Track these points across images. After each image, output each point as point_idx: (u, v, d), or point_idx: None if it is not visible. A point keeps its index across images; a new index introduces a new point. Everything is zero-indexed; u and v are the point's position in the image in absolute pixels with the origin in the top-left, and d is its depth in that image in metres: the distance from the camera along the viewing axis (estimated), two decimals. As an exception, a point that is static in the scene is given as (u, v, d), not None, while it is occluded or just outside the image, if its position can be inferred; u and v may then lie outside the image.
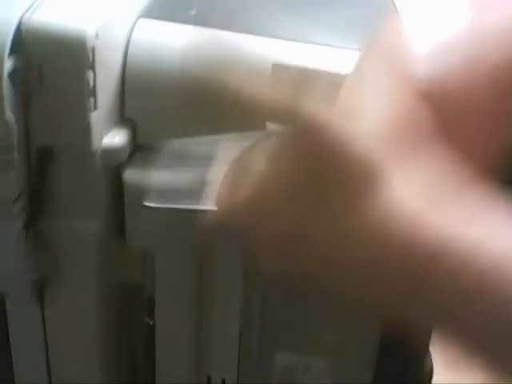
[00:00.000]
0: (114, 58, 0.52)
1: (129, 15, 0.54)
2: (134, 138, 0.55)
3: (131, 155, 0.55)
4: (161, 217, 0.53)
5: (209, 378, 0.63)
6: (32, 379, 0.64)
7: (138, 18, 0.54)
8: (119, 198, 0.55)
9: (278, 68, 0.52)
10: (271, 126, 0.42)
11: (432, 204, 0.37)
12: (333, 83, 0.46)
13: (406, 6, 0.53)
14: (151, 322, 0.61)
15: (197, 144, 0.50)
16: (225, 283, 0.58)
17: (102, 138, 0.52)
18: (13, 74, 0.48)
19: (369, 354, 0.59)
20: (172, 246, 0.56)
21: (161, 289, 0.59)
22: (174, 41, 0.54)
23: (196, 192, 0.48)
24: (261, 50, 0.53)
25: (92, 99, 0.49)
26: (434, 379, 0.72)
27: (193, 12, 0.57)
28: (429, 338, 0.58)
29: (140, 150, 0.55)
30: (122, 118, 0.54)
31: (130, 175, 0.54)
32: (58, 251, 0.57)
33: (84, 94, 0.49)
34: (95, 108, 0.50)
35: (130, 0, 0.54)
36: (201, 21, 0.55)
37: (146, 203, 0.52)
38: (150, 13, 0.55)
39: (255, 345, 0.62)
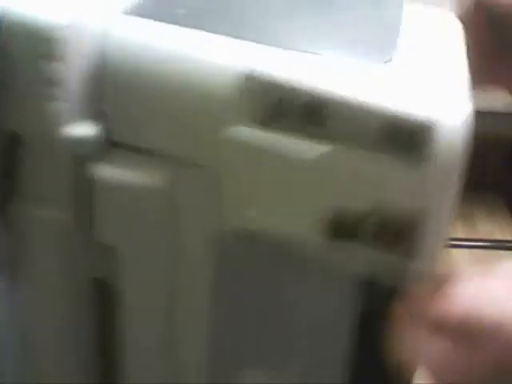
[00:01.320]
0: (90, 51, 0.52)
1: (111, 10, 0.53)
2: (109, 133, 0.54)
3: (106, 151, 0.54)
4: (128, 212, 0.53)
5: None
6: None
7: (122, 14, 0.54)
8: (88, 192, 0.55)
9: (250, 80, 0.51)
10: None
11: None
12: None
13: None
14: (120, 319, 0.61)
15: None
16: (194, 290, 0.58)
17: (70, 130, 0.52)
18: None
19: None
20: (140, 242, 0.56)
21: (128, 285, 0.59)
22: (155, 40, 0.53)
23: None
24: (231, 56, 0.53)
25: (59, 90, 0.49)
26: None
27: (181, 11, 0.56)
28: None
29: (116, 146, 0.55)
30: (98, 112, 0.54)
31: (101, 170, 0.54)
32: (25, 239, 0.57)
33: (51, 84, 0.49)
34: (63, 99, 0.50)
35: None
36: (188, 21, 0.55)
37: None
38: (136, 10, 0.55)
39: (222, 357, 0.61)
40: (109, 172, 0.54)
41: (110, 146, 0.55)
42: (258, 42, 0.52)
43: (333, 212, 0.52)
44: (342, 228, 0.52)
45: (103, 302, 0.62)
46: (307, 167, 0.52)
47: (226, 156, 0.54)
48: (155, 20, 0.54)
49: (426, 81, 0.52)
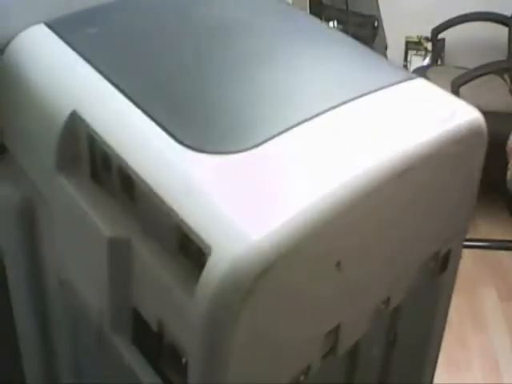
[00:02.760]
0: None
1: (27, 18, 0.55)
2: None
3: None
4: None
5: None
6: None
7: (37, 24, 0.55)
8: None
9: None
10: None
11: None
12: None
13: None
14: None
15: None
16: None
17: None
18: None
19: None
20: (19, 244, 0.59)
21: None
22: (48, 57, 0.56)
23: None
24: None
25: None
26: (434, 379, 0.71)
27: (93, 30, 0.57)
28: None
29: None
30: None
31: None
32: None
33: None
34: None
35: (41, 4, 0.55)
36: (93, 39, 0.57)
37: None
38: (54, 22, 0.57)
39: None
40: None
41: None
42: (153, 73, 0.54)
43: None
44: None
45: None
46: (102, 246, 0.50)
47: (55, 198, 0.56)
48: (63, 35, 0.56)
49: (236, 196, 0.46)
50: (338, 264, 0.47)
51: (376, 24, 1.99)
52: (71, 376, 0.66)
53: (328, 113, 0.51)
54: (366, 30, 1.97)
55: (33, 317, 0.68)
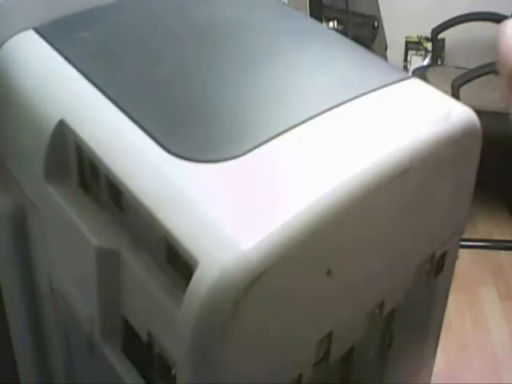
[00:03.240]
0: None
1: (15, 24, 0.55)
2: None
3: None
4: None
5: None
6: None
7: (26, 30, 0.56)
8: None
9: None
10: None
11: None
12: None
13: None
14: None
15: None
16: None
17: None
18: None
19: None
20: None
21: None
22: (36, 64, 0.56)
23: None
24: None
25: None
26: (434, 379, 0.71)
27: (82, 35, 0.57)
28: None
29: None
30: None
31: None
32: None
33: None
34: None
35: (29, 9, 0.55)
36: (82, 45, 0.57)
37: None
38: (43, 27, 0.57)
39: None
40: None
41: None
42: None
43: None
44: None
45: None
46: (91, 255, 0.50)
47: (45, 206, 0.56)
48: (52, 41, 0.56)
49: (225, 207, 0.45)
50: (329, 272, 0.46)
51: (376, 24, 1.99)
52: (64, 378, 0.66)
53: (321, 116, 0.51)
54: (366, 31, 1.97)
55: (26, 322, 0.68)
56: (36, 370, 0.73)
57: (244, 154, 0.47)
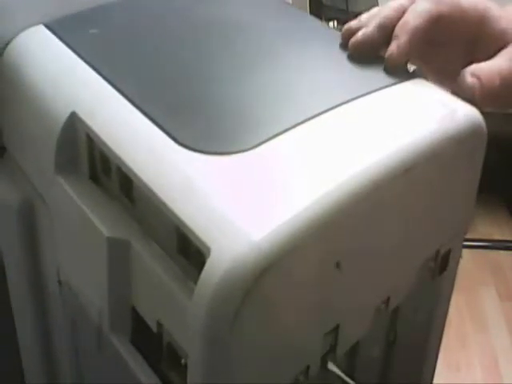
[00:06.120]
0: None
1: (25, 20, 0.55)
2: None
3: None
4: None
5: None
6: None
7: (36, 25, 0.56)
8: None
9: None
10: None
11: None
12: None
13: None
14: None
15: None
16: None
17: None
18: None
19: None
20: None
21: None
22: (47, 59, 0.56)
23: None
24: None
25: None
26: (434, 379, 0.71)
27: (93, 31, 0.58)
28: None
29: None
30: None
31: None
32: None
33: None
34: None
35: (40, 5, 0.56)
36: (92, 40, 0.57)
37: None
38: (53, 23, 0.57)
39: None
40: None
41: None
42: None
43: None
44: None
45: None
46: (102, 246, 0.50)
47: (54, 199, 0.56)
48: (63, 37, 0.57)
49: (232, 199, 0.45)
50: (338, 264, 0.47)
51: (376, 24, 1.99)
52: (71, 376, 0.66)
53: (327, 113, 0.51)
54: (366, 30, 1.97)
55: (33, 317, 0.68)
56: (42, 370, 0.73)
57: (254, 147, 0.48)
